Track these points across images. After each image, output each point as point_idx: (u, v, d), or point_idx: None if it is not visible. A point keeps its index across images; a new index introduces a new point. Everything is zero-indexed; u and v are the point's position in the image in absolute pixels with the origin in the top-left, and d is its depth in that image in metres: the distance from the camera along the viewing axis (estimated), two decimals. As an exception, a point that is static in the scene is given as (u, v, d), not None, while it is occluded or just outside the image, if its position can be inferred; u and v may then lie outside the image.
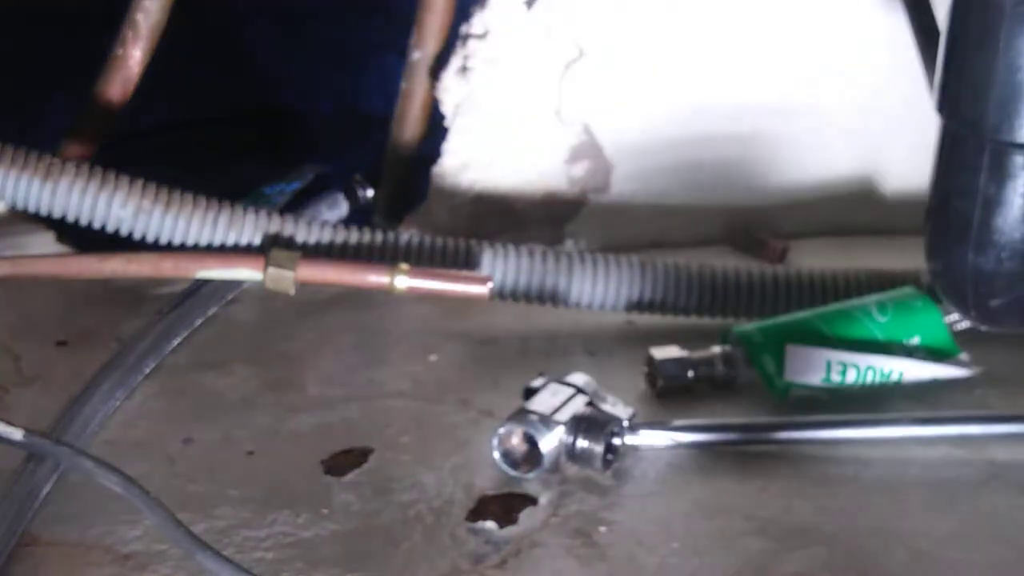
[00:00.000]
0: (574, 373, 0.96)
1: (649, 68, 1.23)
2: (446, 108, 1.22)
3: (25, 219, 1.16)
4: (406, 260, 1.08)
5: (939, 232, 0.84)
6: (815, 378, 1.01)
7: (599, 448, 0.91)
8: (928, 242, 0.85)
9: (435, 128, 1.25)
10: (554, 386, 0.95)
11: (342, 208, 1.26)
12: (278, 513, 0.88)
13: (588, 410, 0.93)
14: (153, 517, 0.82)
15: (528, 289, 1.11)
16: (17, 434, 0.89)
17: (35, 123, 1.40)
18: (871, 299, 1.06)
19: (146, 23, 1.21)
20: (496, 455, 0.92)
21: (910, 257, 1.08)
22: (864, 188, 1.31)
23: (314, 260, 1.06)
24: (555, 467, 0.91)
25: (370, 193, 1.28)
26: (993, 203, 0.80)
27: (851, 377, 1.01)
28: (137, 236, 1.09)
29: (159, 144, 1.45)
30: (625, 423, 0.94)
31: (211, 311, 1.11)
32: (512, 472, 0.92)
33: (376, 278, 1.04)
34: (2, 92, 1.42)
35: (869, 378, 1.02)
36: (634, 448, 0.95)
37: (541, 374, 0.96)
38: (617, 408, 0.95)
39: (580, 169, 1.25)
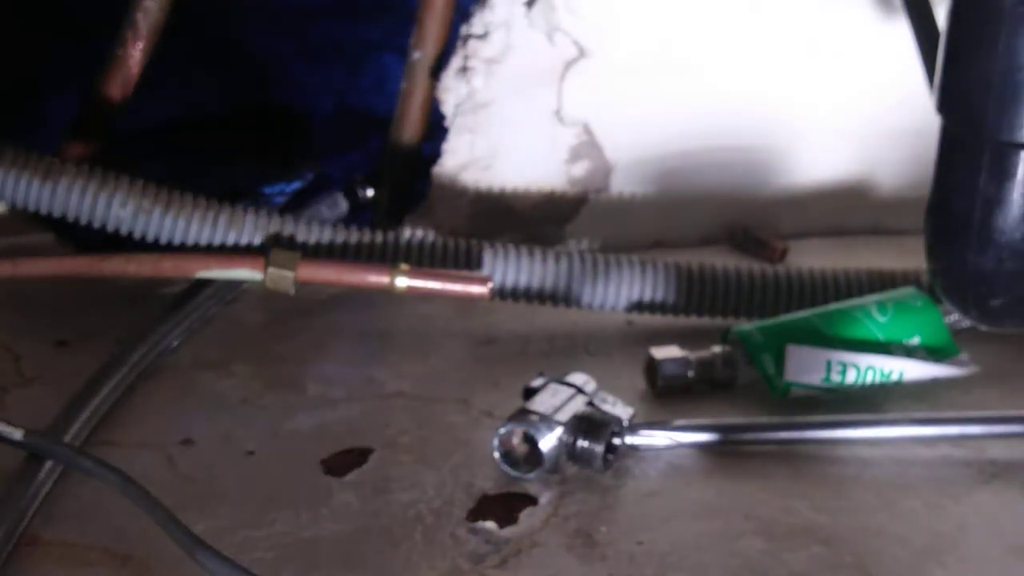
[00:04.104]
0: (574, 373, 0.96)
1: (649, 68, 1.23)
2: (446, 108, 1.22)
3: (25, 219, 1.16)
4: (406, 260, 1.08)
5: (939, 232, 0.83)
6: (815, 378, 1.01)
7: (599, 448, 0.91)
8: (928, 242, 0.85)
9: (435, 128, 1.25)
10: (554, 386, 0.95)
11: (342, 208, 1.26)
12: (278, 513, 0.88)
13: (588, 410, 0.93)
14: (153, 517, 0.82)
15: (528, 289, 1.11)
16: (17, 434, 0.89)
17: (35, 123, 1.40)
18: (871, 299, 1.06)
19: (146, 23, 1.21)
20: (496, 455, 0.92)
21: (910, 257, 1.09)
22: (863, 188, 1.31)
23: (314, 260, 1.06)
24: (555, 467, 0.91)
25: (370, 193, 1.28)
26: (993, 203, 0.79)
27: (851, 377, 1.01)
28: (137, 236, 1.09)
29: (159, 144, 1.45)
30: (625, 423, 0.94)
31: (211, 311, 1.11)
32: (512, 472, 0.92)
33: (376, 278, 1.04)
34: (2, 92, 1.42)
35: (869, 378, 1.02)
36: (634, 448, 0.95)
37: (541, 374, 0.96)
38: (617, 408, 0.95)
39: (580, 169, 1.25)
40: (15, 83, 1.45)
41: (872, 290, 1.11)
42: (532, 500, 0.90)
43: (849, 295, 1.11)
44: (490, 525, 0.88)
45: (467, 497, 0.90)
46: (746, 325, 1.05)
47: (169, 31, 1.23)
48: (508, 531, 0.87)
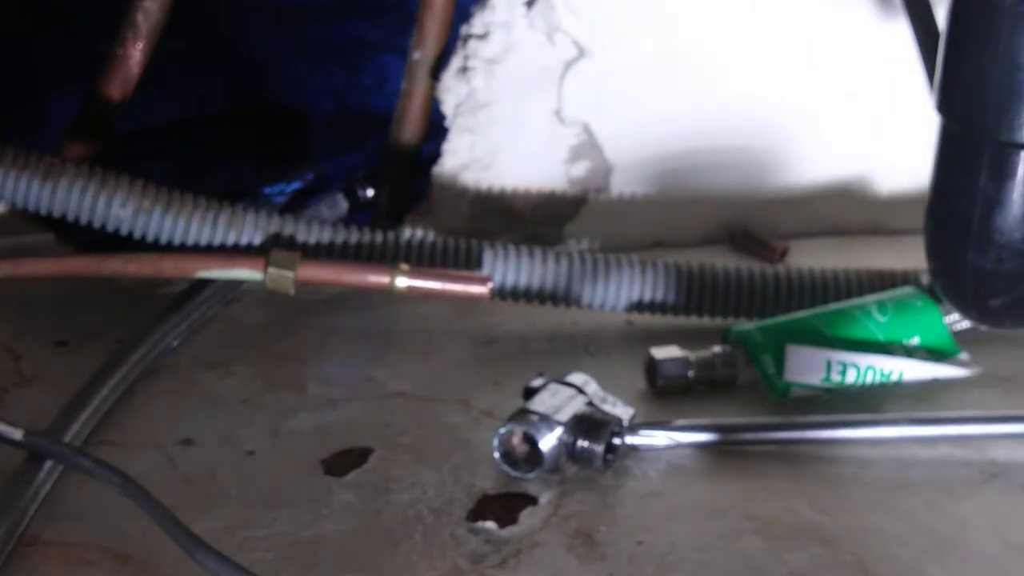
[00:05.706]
0: (574, 373, 0.96)
1: (649, 68, 1.23)
2: (446, 108, 1.22)
3: (25, 219, 1.16)
4: (406, 260, 1.08)
5: (939, 232, 0.84)
6: (815, 378, 1.01)
7: (599, 448, 0.91)
8: (928, 242, 0.85)
9: (435, 128, 1.25)
10: (554, 386, 0.95)
11: (342, 208, 1.26)
12: (278, 513, 0.88)
13: (588, 410, 0.93)
14: (153, 517, 0.82)
15: (528, 289, 1.11)
16: (17, 434, 0.89)
17: (35, 123, 1.40)
18: (871, 299, 1.06)
19: (146, 23, 1.21)
20: (496, 455, 0.92)
21: (909, 257, 1.09)
22: (863, 188, 1.31)
23: (314, 260, 1.06)
24: (555, 467, 0.91)
25: (370, 193, 1.28)
26: (993, 203, 0.80)
27: (851, 377, 1.01)
28: (137, 236, 1.09)
29: (159, 144, 1.45)
30: (625, 423, 0.94)
31: (211, 311, 1.11)
32: (512, 472, 0.92)
33: (376, 278, 1.04)
34: (2, 92, 1.42)
35: (869, 378, 1.02)
36: (634, 448, 0.95)
37: (541, 374, 0.96)
38: (617, 408, 0.95)
39: (580, 169, 1.25)
40: (15, 83, 1.45)
41: (872, 290, 1.11)
42: (532, 500, 0.90)
43: (849, 295, 1.11)
44: (490, 525, 0.88)
45: (467, 497, 0.90)
46: (746, 325, 1.05)
47: (169, 31, 1.23)
48: (508, 531, 0.87)
